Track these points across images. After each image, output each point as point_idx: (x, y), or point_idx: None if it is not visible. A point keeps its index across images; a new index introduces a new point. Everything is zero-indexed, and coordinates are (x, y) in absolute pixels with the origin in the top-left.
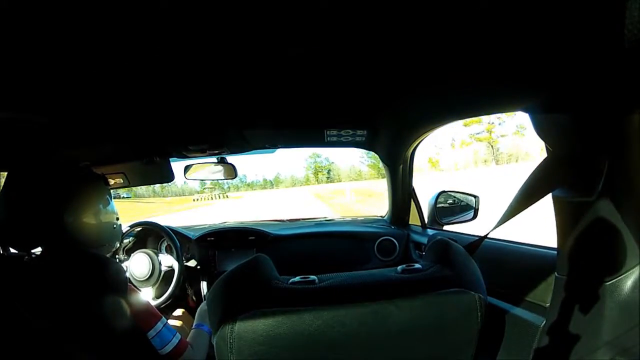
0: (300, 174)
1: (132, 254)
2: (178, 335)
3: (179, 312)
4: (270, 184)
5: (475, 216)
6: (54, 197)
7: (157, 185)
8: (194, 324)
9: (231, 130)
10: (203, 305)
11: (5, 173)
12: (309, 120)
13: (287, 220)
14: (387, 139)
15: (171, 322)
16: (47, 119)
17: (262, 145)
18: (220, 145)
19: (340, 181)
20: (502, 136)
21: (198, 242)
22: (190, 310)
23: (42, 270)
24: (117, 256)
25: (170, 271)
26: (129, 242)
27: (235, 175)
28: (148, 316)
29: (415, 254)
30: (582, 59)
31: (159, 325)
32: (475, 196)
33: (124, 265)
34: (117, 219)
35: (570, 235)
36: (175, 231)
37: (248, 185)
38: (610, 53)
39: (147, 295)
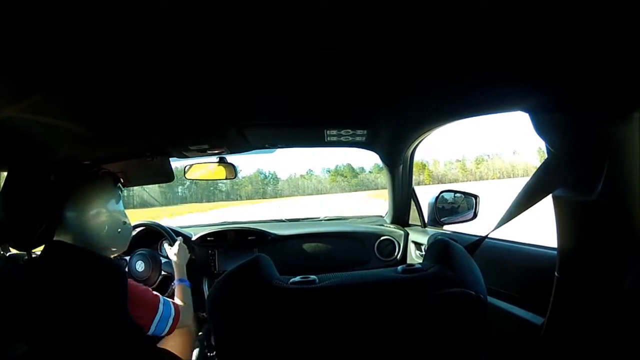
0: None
1: (131, 253)
2: (172, 312)
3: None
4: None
5: (475, 216)
6: (54, 195)
7: None
8: (176, 280)
9: (231, 129)
10: (181, 260)
11: (5, 173)
12: (309, 120)
13: (287, 220)
14: (387, 139)
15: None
16: (47, 118)
17: (262, 145)
18: (221, 145)
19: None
20: None
21: (198, 242)
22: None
23: (40, 270)
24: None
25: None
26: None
27: (236, 175)
28: (147, 311)
29: (416, 253)
30: (582, 59)
31: (157, 318)
32: (475, 196)
33: (124, 263)
34: (125, 222)
35: (570, 235)
36: (175, 231)
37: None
38: (611, 53)
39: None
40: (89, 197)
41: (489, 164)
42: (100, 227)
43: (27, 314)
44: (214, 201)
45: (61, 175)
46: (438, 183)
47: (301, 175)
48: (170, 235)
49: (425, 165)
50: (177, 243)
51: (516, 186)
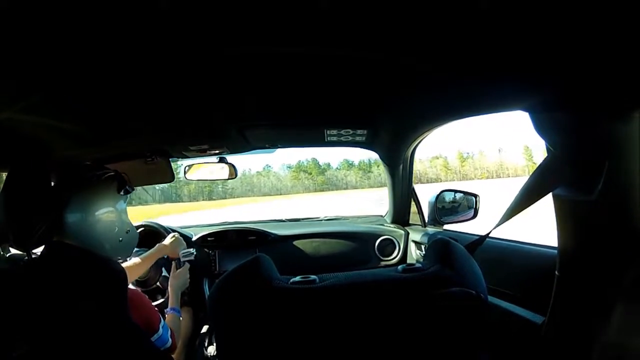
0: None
1: (132, 254)
2: (169, 331)
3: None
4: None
5: (475, 215)
6: (55, 199)
7: None
8: (169, 307)
9: (231, 130)
10: (177, 287)
11: (5, 173)
12: (309, 120)
13: (287, 220)
14: (387, 138)
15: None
16: (48, 119)
17: (262, 145)
18: (221, 145)
19: None
20: None
21: (198, 242)
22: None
23: (40, 271)
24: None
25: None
26: None
27: (236, 175)
28: (151, 320)
29: (416, 253)
30: (583, 58)
31: (161, 329)
32: (475, 195)
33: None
34: (128, 231)
35: (570, 234)
36: (175, 231)
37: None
38: (611, 53)
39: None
40: (90, 202)
41: (474, 162)
42: (102, 234)
43: (27, 314)
44: (148, 204)
45: (63, 179)
46: (417, 182)
47: (257, 172)
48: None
49: None
50: (183, 267)
51: (507, 188)
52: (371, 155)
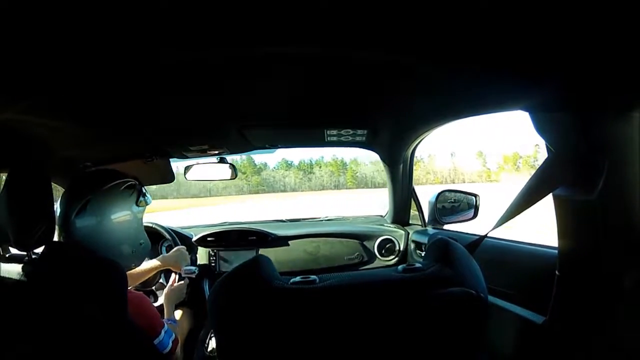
0: None
1: None
2: (172, 336)
3: (178, 312)
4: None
5: (475, 215)
6: (67, 204)
7: None
8: (166, 319)
9: (231, 130)
10: (172, 300)
11: (6, 174)
12: (309, 120)
13: (287, 220)
14: (387, 138)
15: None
16: (48, 119)
17: (262, 145)
18: (221, 145)
19: None
20: None
21: (198, 242)
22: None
23: (41, 271)
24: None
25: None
26: None
27: (236, 175)
28: (153, 324)
29: (416, 253)
30: (583, 58)
31: (162, 334)
32: (475, 195)
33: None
34: (141, 243)
35: (570, 234)
36: (175, 231)
37: None
38: (611, 52)
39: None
40: (108, 208)
41: (426, 166)
42: (115, 244)
43: (29, 315)
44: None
45: (76, 184)
46: (363, 187)
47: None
48: (172, 236)
49: (343, 163)
50: (182, 281)
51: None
52: (313, 156)
